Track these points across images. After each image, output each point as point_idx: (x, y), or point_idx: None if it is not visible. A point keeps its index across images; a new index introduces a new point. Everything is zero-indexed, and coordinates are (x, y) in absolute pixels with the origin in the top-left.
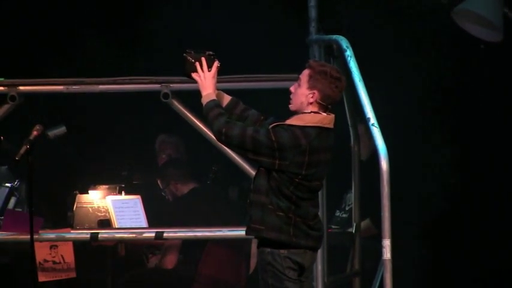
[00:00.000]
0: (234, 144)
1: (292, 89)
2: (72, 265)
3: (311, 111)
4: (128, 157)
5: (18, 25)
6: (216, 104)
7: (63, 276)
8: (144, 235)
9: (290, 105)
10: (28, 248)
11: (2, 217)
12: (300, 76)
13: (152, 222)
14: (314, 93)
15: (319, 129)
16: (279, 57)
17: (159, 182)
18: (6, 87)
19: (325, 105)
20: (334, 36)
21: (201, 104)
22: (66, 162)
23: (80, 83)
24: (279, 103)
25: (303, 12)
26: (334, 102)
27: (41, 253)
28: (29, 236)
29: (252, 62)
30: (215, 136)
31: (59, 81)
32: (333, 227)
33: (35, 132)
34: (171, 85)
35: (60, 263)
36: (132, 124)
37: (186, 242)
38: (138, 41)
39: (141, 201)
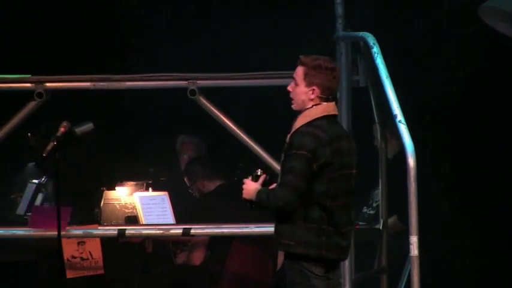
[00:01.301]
0: (296, 198)
1: (289, 88)
2: (100, 262)
3: (313, 105)
4: (156, 154)
5: (44, 22)
6: (259, 193)
7: (91, 272)
8: (172, 231)
9: (293, 106)
10: (55, 245)
11: (30, 213)
12: (295, 75)
13: (179, 218)
14: (314, 89)
15: (327, 118)
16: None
17: (185, 179)
18: (33, 84)
19: (326, 97)
20: (361, 33)
21: (228, 106)
22: (93, 158)
23: (106, 79)
24: None
25: (330, 9)
26: (334, 93)
27: (69, 249)
28: (56, 233)
29: (279, 59)
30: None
31: (85, 78)
32: (360, 223)
33: (62, 129)
34: (197, 82)
35: (87, 259)
36: (159, 120)
37: (214, 239)
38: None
39: (168, 197)
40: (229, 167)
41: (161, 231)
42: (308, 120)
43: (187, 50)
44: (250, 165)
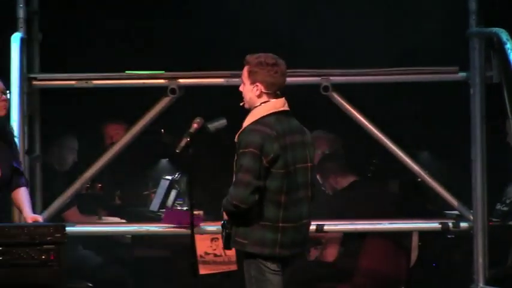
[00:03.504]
0: (248, 194)
1: (240, 88)
2: (233, 258)
3: (261, 103)
4: None
5: (178, 19)
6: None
7: (224, 268)
8: None
9: (244, 105)
10: (189, 241)
11: (163, 210)
12: (242, 75)
13: (313, 214)
14: (257, 85)
15: (276, 115)
16: (440, 51)
17: (318, 176)
18: (166, 80)
19: (272, 92)
20: (494, 29)
21: (360, 98)
22: (226, 154)
23: (239, 75)
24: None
25: (463, 5)
26: (281, 87)
27: (202, 246)
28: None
29: (413, 55)
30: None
31: (218, 74)
32: (494, 220)
33: (195, 125)
34: (331, 78)
35: (221, 255)
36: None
37: (347, 235)
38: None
39: None
40: (363, 163)
41: None
42: (255, 119)
43: (321, 44)
44: (383, 161)
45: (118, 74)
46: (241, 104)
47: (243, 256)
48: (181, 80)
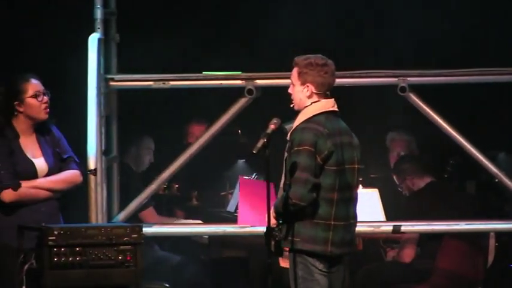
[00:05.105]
0: (307, 192)
1: (290, 90)
2: None
3: (311, 103)
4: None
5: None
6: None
7: None
8: (382, 228)
9: (294, 106)
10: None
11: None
12: (291, 77)
13: (389, 215)
14: (307, 86)
15: (326, 114)
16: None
17: (394, 177)
18: (243, 81)
19: (322, 93)
20: None
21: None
22: None
23: None
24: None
25: None
26: (331, 87)
27: None
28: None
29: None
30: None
31: None
32: None
33: (272, 126)
34: (408, 78)
35: None
36: (370, 117)
37: (424, 236)
38: None
39: (378, 194)
40: (440, 164)
41: (372, 228)
42: (306, 117)
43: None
44: (461, 161)
45: (195, 74)
46: (291, 106)
47: (290, 255)
48: (258, 81)
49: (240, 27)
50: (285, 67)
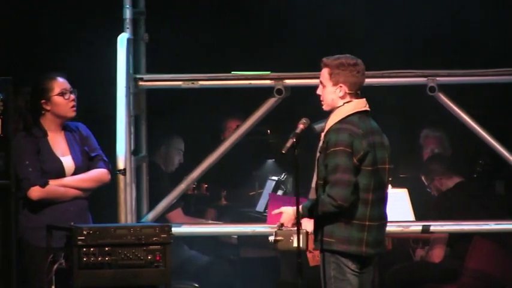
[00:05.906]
0: (350, 192)
1: (319, 92)
2: None
3: (344, 103)
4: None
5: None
6: (307, 209)
7: None
8: (411, 228)
9: (324, 107)
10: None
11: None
12: (321, 78)
13: (418, 215)
14: (340, 86)
15: (359, 114)
16: None
17: (423, 177)
18: (272, 81)
19: (354, 93)
20: None
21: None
22: None
23: None
24: None
25: None
26: (361, 86)
27: (311, 239)
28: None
29: None
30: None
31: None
32: None
33: (301, 126)
34: (437, 78)
35: None
36: (397, 116)
37: (453, 236)
38: None
39: (407, 194)
40: (469, 164)
41: (401, 228)
42: (340, 118)
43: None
44: (490, 161)
45: (224, 74)
46: (323, 107)
47: (322, 255)
48: (287, 81)
49: (268, 26)
50: (312, 67)
